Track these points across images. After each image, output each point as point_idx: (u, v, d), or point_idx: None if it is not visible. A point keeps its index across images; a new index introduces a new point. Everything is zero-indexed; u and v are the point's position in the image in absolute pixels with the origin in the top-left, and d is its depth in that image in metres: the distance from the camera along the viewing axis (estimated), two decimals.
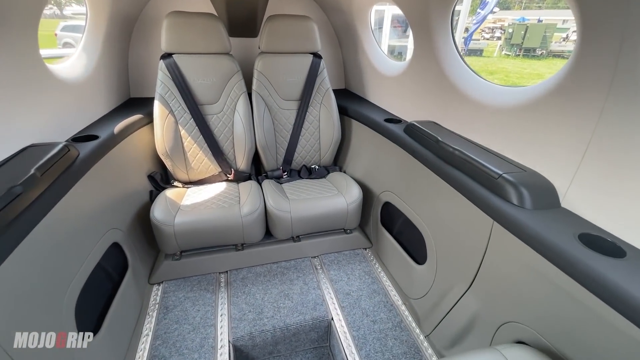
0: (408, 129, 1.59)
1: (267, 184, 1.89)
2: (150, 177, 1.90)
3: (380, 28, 6.93)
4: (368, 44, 2.19)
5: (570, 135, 0.97)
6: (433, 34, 1.48)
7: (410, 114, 1.80)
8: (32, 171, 0.98)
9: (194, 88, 1.84)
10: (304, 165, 2.16)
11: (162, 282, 1.69)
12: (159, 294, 1.62)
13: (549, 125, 1.04)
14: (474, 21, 9.05)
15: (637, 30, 0.77)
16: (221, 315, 1.51)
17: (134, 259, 1.54)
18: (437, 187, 1.37)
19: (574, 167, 0.97)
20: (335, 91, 2.17)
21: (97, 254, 1.27)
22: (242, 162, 1.98)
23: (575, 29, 0.95)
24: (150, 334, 1.42)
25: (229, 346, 1.37)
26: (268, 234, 1.80)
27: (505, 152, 1.22)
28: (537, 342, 0.96)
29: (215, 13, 2.14)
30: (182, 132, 1.84)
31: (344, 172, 2.22)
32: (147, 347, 1.36)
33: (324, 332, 1.56)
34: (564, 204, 1.01)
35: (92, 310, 1.23)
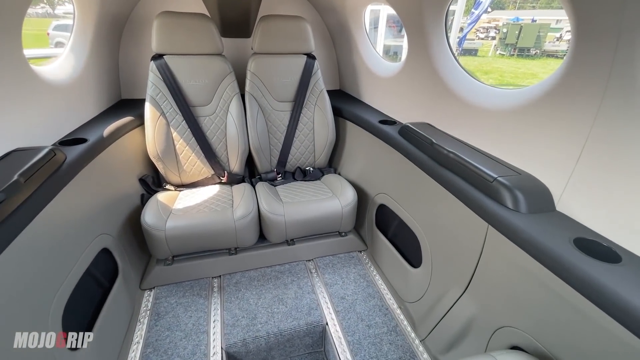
0: (402, 130, 1.58)
1: (261, 186, 1.86)
2: (142, 181, 1.86)
3: (376, 28, 6.92)
4: (362, 45, 2.17)
5: (566, 138, 0.96)
6: (427, 35, 1.46)
7: (404, 115, 1.78)
8: (15, 177, 0.94)
9: (186, 89, 1.81)
10: (298, 167, 2.14)
11: (153, 287, 1.66)
12: (151, 300, 1.59)
13: (544, 128, 1.03)
14: (469, 21, 9.09)
15: (630, 38, 0.76)
16: (214, 322, 1.49)
17: (124, 265, 1.51)
18: (432, 189, 1.36)
19: (569, 170, 0.96)
20: (330, 92, 2.15)
21: (86, 261, 1.24)
22: (235, 164, 1.95)
23: (568, 28, 0.94)
24: (141, 341, 1.39)
25: (222, 353, 1.35)
26: (262, 237, 1.78)
27: (500, 155, 1.21)
28: (532, 347, 0.94)
29: (208, 13, 2.11)
30: (174, 134, 1.81)
31: (339, 173, 2.20)
32: (138, 354, 1.33)
33: (319, 337, 1.54)
34: (559, 207, 1.00)
35: (81, 318, 1.20)
